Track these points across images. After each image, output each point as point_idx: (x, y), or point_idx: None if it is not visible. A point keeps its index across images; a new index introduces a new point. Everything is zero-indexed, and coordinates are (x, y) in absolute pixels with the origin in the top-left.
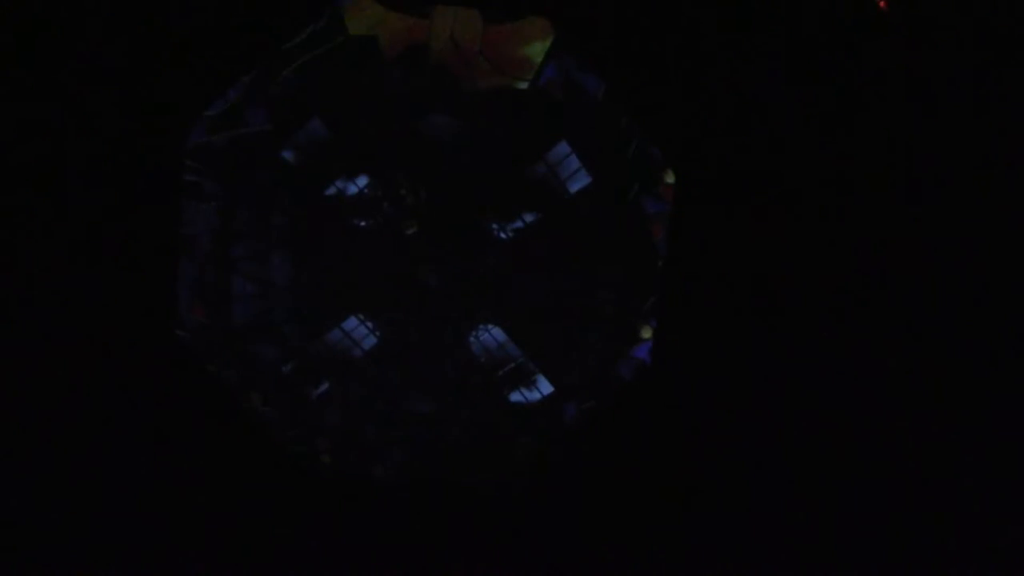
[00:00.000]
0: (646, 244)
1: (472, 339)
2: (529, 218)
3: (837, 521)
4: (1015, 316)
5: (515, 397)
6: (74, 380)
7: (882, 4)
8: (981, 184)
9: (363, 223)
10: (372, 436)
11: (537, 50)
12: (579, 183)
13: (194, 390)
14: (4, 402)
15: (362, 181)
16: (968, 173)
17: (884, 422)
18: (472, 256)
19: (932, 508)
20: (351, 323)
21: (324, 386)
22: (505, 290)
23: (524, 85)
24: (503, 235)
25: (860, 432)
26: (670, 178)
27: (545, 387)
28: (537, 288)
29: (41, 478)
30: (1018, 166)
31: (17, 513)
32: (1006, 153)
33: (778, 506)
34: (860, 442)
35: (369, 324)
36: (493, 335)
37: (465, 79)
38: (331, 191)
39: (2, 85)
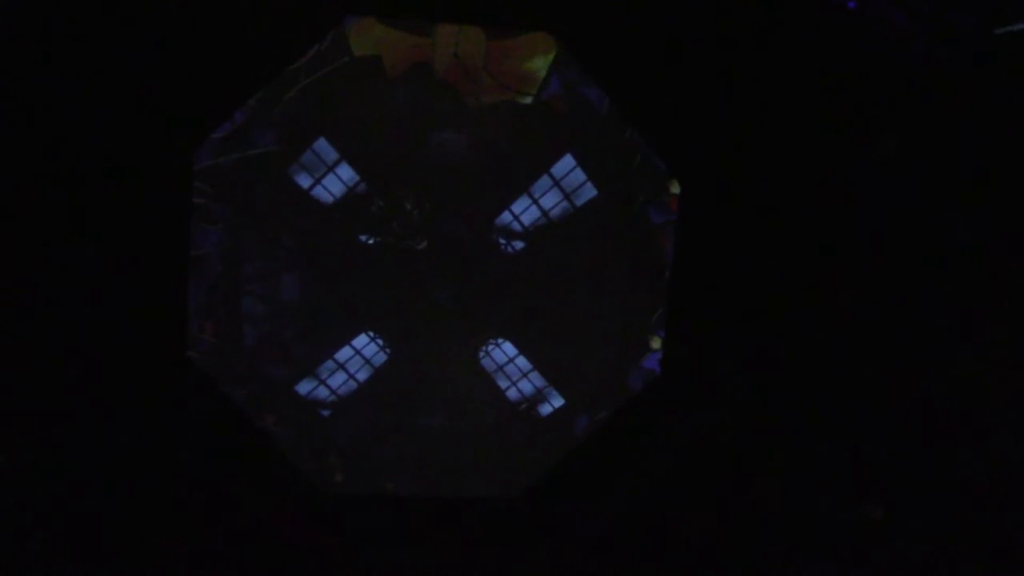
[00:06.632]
0: (653, 254)
1: (482, 353)
2: (536, 232)
3: (844, 527)
4: (1019, 322)
5: (526, 410)
6: (84, 402)
7: None
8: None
9: (371, 241)
10: (384, 452)
11: (540, 64)
12: (585, 196)
13: (206, 411)
14: (13, 425)
15: (370, 199)
16: (975, 186)
17: (893, 429)
18: (480, 271)
19: (939, 518)
20: (361, 340)
21: (335, 404)
22: (514, 304)
23: (528, 100)
24: (511, 249)
25: (868, 438)
26: (675, 188)
27: (556, 400)
28: (546, 301)
29: (50, 499)
30: (1018, 163)
31: (25, 535)
32: (1005, 157)
33: (789, 515)
34: (869, 447)
35: (379, 341)
36: (503, 349)
37: (469, 95)
38: (339, 209)
39: (5, 107)
